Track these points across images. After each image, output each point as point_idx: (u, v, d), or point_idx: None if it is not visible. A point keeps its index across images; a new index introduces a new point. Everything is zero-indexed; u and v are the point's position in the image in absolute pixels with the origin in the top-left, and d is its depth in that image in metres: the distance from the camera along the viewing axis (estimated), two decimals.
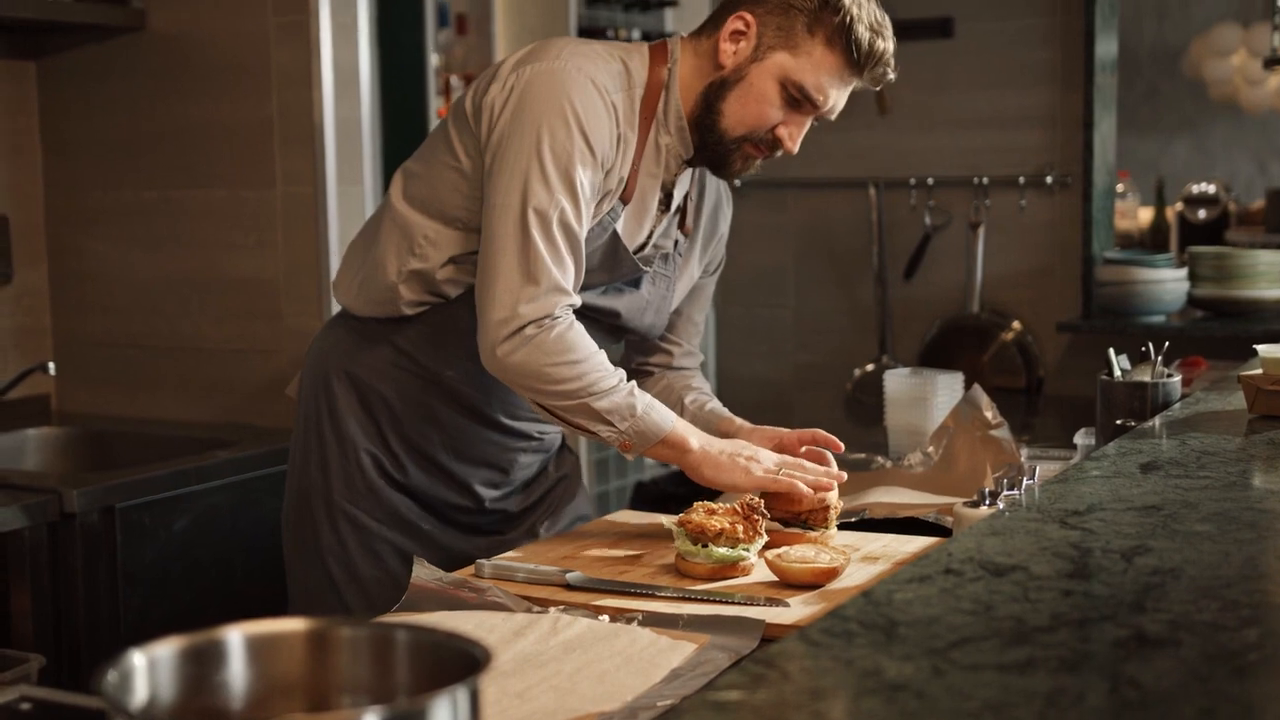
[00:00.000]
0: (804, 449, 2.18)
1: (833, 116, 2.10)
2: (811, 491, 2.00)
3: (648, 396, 2.03)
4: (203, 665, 0.97)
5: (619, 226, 2.11)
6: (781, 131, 2.07)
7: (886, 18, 2.08)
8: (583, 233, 2.01)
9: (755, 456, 2.04)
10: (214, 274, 3.31)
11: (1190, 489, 1.63)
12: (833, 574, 1.83)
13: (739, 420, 2.28)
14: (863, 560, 1.95)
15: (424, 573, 1.84)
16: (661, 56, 2.11)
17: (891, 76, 2.10)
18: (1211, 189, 5.34)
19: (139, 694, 0.94)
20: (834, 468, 2.12)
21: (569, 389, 1.98)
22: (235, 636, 0.99)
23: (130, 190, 3.38)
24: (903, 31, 3.89)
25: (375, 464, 2.19)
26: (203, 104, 3.28)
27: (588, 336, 2.01)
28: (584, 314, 2.11)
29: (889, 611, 1.20)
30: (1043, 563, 1.33)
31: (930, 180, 3.94)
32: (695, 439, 2.04)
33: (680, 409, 2.29)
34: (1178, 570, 1.29)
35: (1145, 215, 5.64)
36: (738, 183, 4.09)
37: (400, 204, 2.15)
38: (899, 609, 1.21)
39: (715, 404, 2.34)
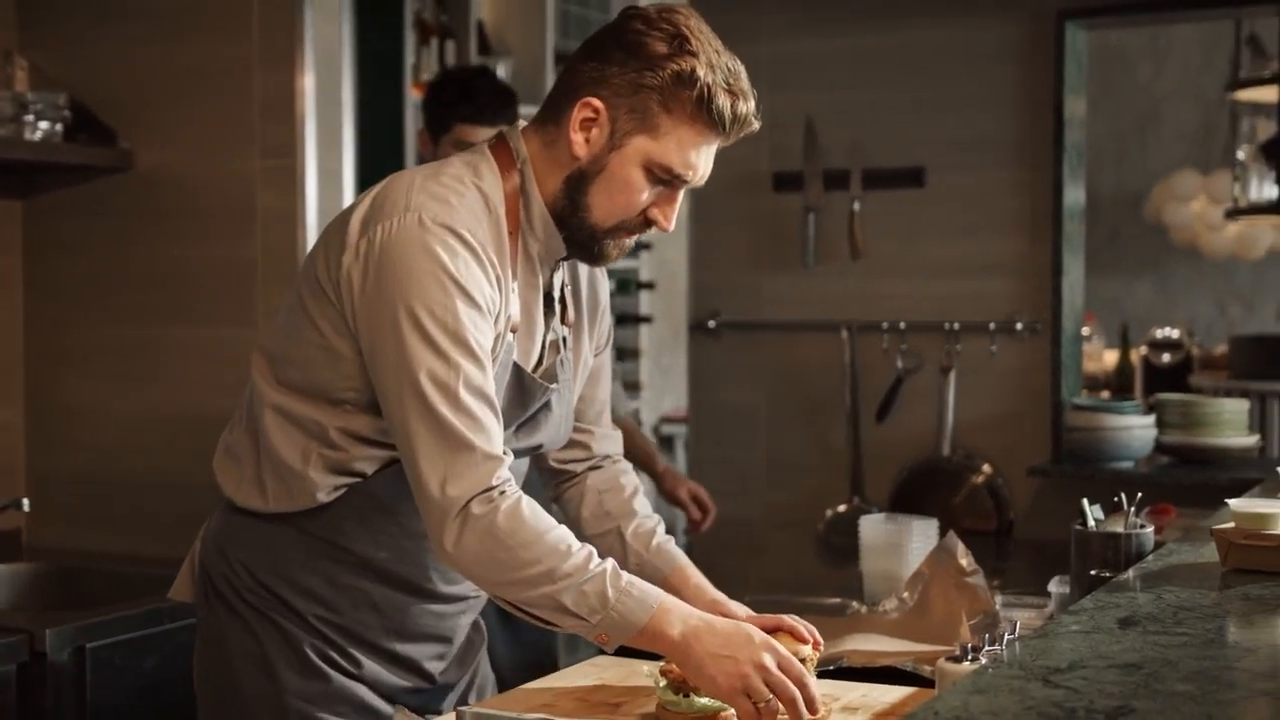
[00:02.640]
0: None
1: (703, 183, 1.96)
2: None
3: (625, 579, 1.81)
4: None
5: (516, 358, 1.97)
6: (655, 213, 1.93)
7: (739, 67, 1.91)
8: (492, 389, 1.85)
9: (755, 661, 1.79)
10: (194, 412, 3.32)
11: (1169, 646, 1.65)
12: None
13: (692, 572, 2.10)
14: (842, 711, 1.96)
15: None
16: (508, 160, 1.96)
17: (756, 127, 1.94)
18: (1175, 334, 5.44)
19: None
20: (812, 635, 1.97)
21: (529, 575, 1.79)
22: None
23: (112, 327, 3.41)
24: (876, 179, 4.03)
25: (324, 657, 2.01)
26: (187, 243, 3.32)
27: (542, 511, 1.83)
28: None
29: None
30: None
31: (902, 324, 4.01)
32: (676, 628, 1.81)
33: (625, 551, 2.13)
34: None
35: (1110, 358, 5.73)
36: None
37: (276, 392, 1.98)
38: None
39: (662, 540, 2.15)
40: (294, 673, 2.00)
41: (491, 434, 1.83)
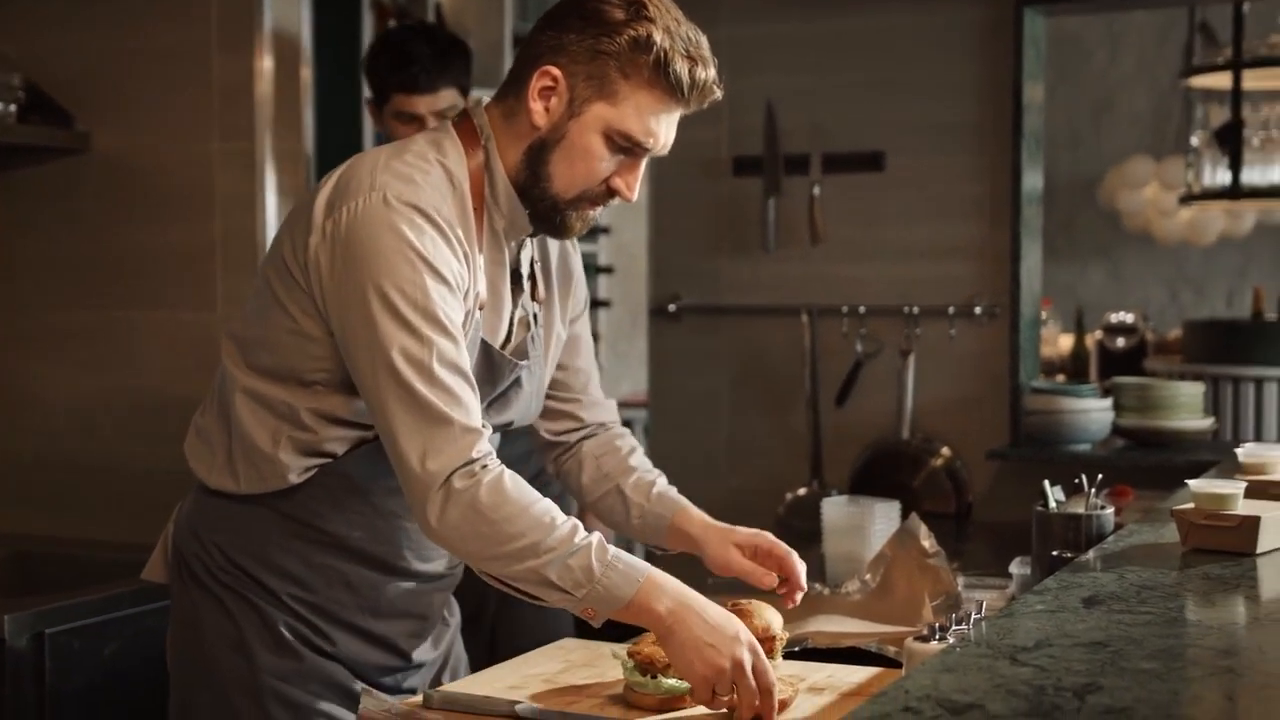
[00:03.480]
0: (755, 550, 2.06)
1: (665, 152, 1.94)
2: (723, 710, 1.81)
3: (611, 552, 1.79)
4: None
5: (483, 334, 1.97)
6: (617, 182, 1.93)
7: (700, 36, 1.91)
8: (468, 364, 1.85)
9: (734, 656, 1.77)
10: (154, 396, 3.29)
11: (1133, 625, 1.67)
12: (784, 706, 1.85)
13: (695, 512, 2.13)
14: (809, 691, 1.97)
15: (372, 703, 1.84)
16: (472, 137, 1.95)
17: (719, 95, 1.93)
18: (1130, 318, 5.48)
19: None
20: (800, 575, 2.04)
21: (513, 549, 1.78)
22: None
23: (69, 312, 3.38)
24: (836, 163, 4.04)
25: (298, 636, 2.01)
26: (146, 227, 3.30)
27: (525, 483, 1.83)
28: None
29: None
30: (998, 701, 1.36)
31: (862, 309, 4.02)
32: (664, 604, 1.78)
33: (624, 499, 2.15)
34: (1130, 710, 1.32)
35: (1065, 342, 5.77)
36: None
37: (247, 376, 1.97)
38: None
39: (662, 487, 2.17)
40: (269, 651, 2.00)
41: (469, 407, 1.83)
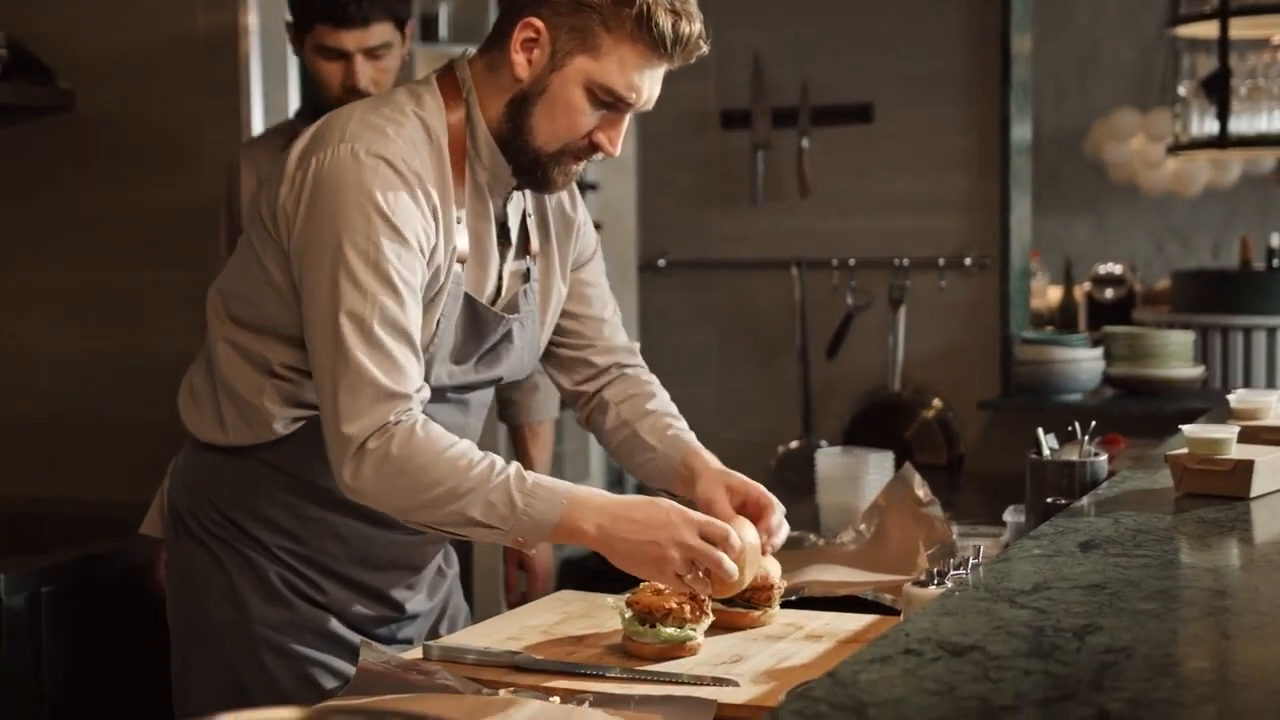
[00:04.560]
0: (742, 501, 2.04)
1: (649, 107, 1.92)
2: (707, 591, 1.83)
3: (530, 479, 1.81)
4: None
5: (467, 288, 1.96)
6: (600, 137, 1.91)
7: None
8: (413, 323, 1.84)
9: (673, 540, 1.80)
10: (144, 355, 3.28)
11: (1130, 567, 1.68)
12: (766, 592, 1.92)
13: (703, 456, 2.10)
14: (806, 638, 1.98)
15: (371, 656, 1.84)
16: (454, 89, 1.94)
17: (705, 49, 1.90)
18: (1118, 269, 5.48)
19: None
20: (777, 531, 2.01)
21: (432, 497, 1.79)
22: None
23: (57, 271, 3.36)
24: (824, 116, 4.03)
25: (290, 586, 2.03)
26: (132, 185, 3.28)
27: (438, 432, 1.82)
28: (465, 388, 2.03)
29: (855, 692, 1.22)
30: (998, 642, 1.36)
31: (852, 261, 4.02)
32: (591, 522, 1.80)
33: (642, 443, 2.14)
34: (1130, 649, 1.33)
35: (1054, 294, 5.77)
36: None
37: (228, 327, 1.99)
38: (865, 690, 1.23)
39: (677, 430, 2.15)
40: (261, 602, 2.02)
41: (404, 371, 1.83)
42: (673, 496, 2.21)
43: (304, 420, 1.98)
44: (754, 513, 2.02)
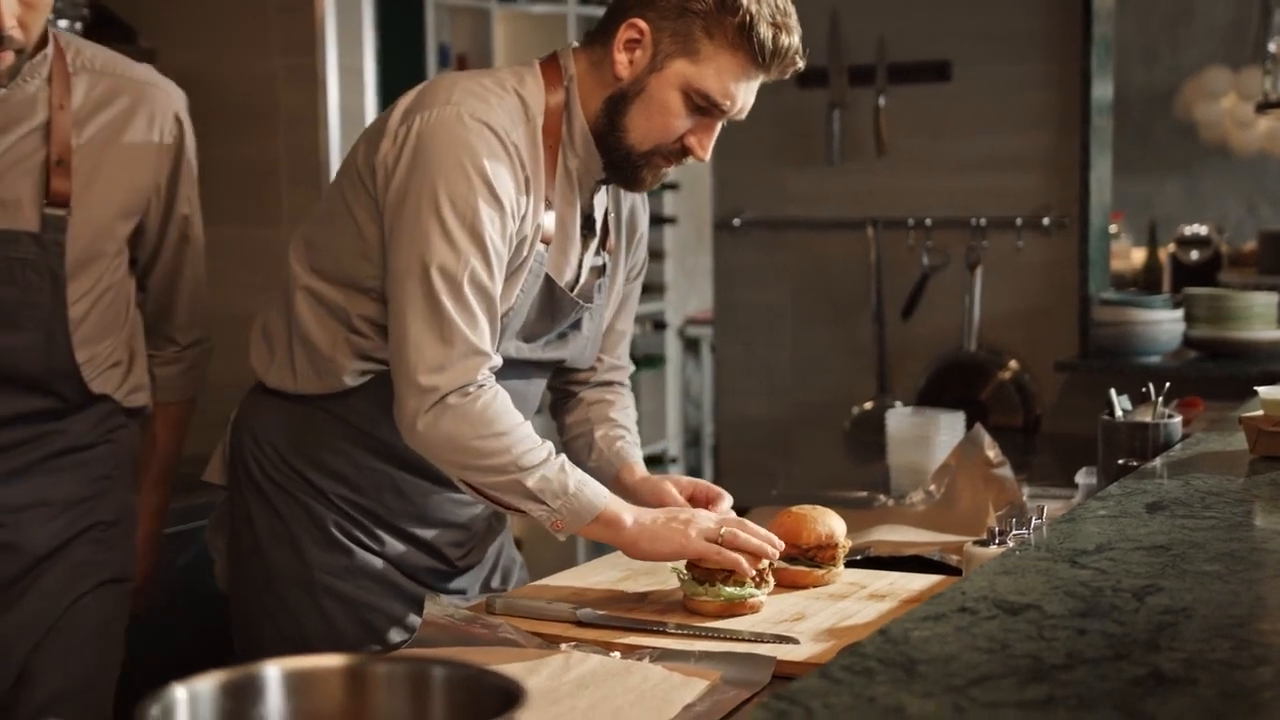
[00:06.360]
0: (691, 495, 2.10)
1: (742, 116, 1.98)
2: (751, 569, 1.88)
3: (580, 472, 1.91)
4: (241, 700, 0.99)
5: (548, 270, 2.01)
6: (691, 140, 1.96)
7: (790, 6, 1.94)
8: (497, 289, 1.90)
9: (692, 519, 1.92)
10: (221, 311, 3.32)
11: (1196, 529, 1.66)
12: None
13: (639, 467, 2.17)
14: (869, 598, 1.97)
15: (436, 609, 1.86)
16: (556, 76, 1.99)
17: (801, 65, 1.96)
18: (1204, 231, 5.38)
19: None
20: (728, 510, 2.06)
21: (497, 463, 1.86)
22: (274, 672, 1.00)
23: None
24: (900, 74, 3.98)
25: (347, 534, 2.06)
26: (210, 144, 3.29)
27: (513, 407, 1.90)
28: (531, 364, 2.07)
29: (907, 649, 1.22)
30: (1055, 601, 1.35)
31: (928, 221, 3.98)
32: (629, 515, 1.91)
33: (592, 446, 2.20)
34: (1189, 609, 1.31)
35: (1138, 256, 5.69)
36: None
37: (308, 276, 2.02)
38: (917, 647, 1.23)
39: (626, 443, 2.21)
40: (319, 548, 2.05)
41: (484, 331, 1.89)
42: None
43: (372, 374, 2.01)
44: (704, 505, 2.08)
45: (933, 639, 1.25)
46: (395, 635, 2.05)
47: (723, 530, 1.90)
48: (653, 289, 5.88)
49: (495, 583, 2.23)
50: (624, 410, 2.26)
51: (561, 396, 2.29)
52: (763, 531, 1.94)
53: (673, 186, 6.04)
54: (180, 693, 0.96)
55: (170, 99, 2.17)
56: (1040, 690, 1.11)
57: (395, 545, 2.09)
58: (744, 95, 1.95)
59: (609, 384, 2.27)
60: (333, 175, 3.17)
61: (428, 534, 2.11)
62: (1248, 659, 1.19)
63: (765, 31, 1.89)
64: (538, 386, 2.16)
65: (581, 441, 2.23)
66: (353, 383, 2.02)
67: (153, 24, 3.36)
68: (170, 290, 2.28)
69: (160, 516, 2.39)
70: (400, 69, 4.34)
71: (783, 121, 4.16)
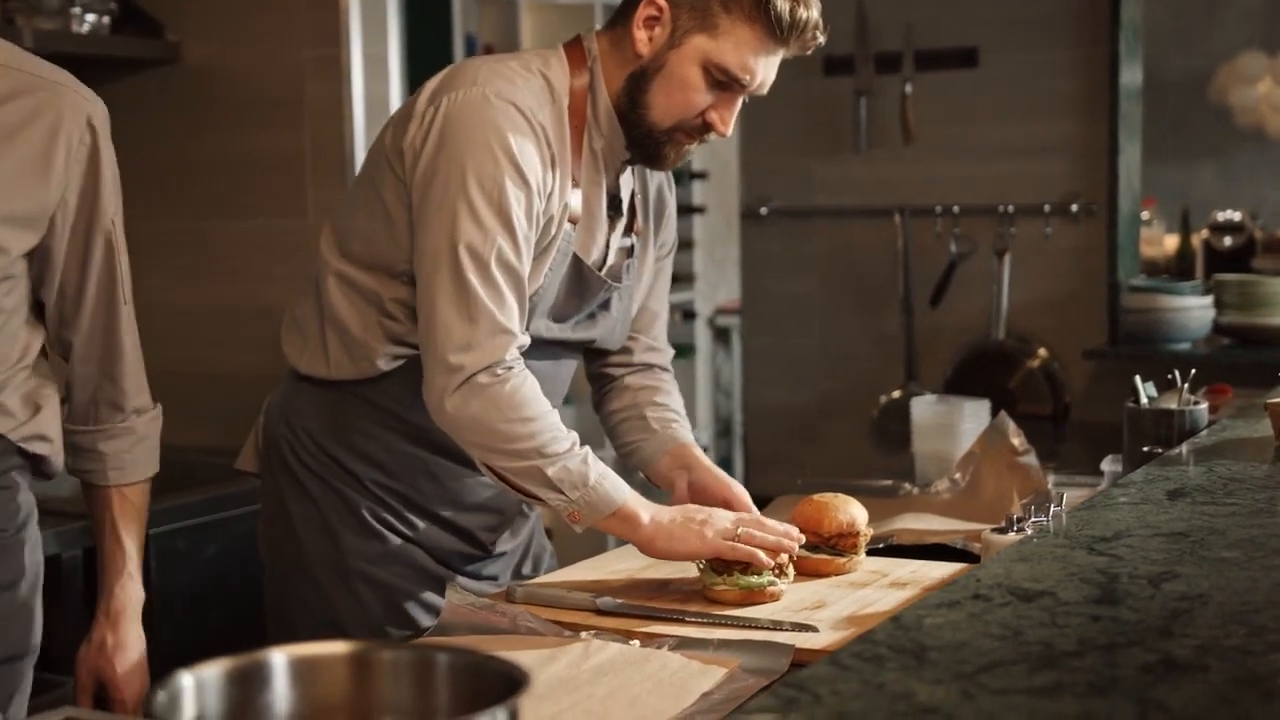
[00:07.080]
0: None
1: (764, 91, 1.98)
2: (769, 561, 1.88)
3: (603, 466, 1.91)
4: (248, 686, 1.00)
5: (576, 250, 2.02)
6: (712, 116, 1.96)
7: None
8: (525, 268, 1.91)
9: (709, 519, 1.92)
10: (247, 303, 3.34)
11: (1217, 515, 1.64)
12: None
13: (698, 451, 2.16)
14: (890, 586, 1.97)
15: (457, 597, 1.87)
16: (580, 58, 2.01)
17: (821, 40, 1.97)
18: (1237, 216, 5.33)
19: (187, 714, 0.96)
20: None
21: (521, 448, 1.86)
22: (279, 658, 1.01)
23: (162, 221, 3.43)
24: (927, 61, 3.96)
25: (380, 520, 2.07)
26: (236, 136, 3.33)
27: (541, 394, 1.91)
28: (560, 344, 2.08)
29: (918, 636, 1.21)
30: (1070, 588, 1.35)
31: (956, 208, 3.97)
32: (647, 512, 1.91)
33: (644, 424, 2.19)
34: (1205, 596, 1.31)
35: (1170, 242, 5.64)
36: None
37: (340, 261, 2.04)
38: (928, 634, 1.22)
39: (679, 428, 2.20)
40: (353, 535, 2.07)
41: (512, 311, 1.90)
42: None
43: (405, 359, 2.03)
44: (721, 503, 2.06)
45: (945, 626, 1.24)
46: (427, 620, 2.07)
47: (740, 530, 1.90)
48: (682, 279, 5.87)
49: (527, 569, 2.24)
50: (670, 395, 2.26)
51: (602, 382, 2.28)
52: (781, 527, 1.94)
53: (702, 175, 6.03)
54: (187, 680, 0.97)
55: (83, 104, 1.91)
56: (1050, 677, 1.11)
57: (428, 530, 2.10)
58: (764, 70, 1.95)
59: (650, 367, 2.27)
60: (359, 167, 3.19)
61: (460, 517, 2.13)
62: (1261, 645, 1.18)
63: (782, 4, 1.90)
64: (567, 369, 2.17)
65: (629, 423, 2.22)
66: (386, 367, 2.04)
67: (178, 17, 3.37)
68: (106, 345, 2.00)
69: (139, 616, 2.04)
70: (426, 59, 4.34)
71: (809, 109, 4.15)
